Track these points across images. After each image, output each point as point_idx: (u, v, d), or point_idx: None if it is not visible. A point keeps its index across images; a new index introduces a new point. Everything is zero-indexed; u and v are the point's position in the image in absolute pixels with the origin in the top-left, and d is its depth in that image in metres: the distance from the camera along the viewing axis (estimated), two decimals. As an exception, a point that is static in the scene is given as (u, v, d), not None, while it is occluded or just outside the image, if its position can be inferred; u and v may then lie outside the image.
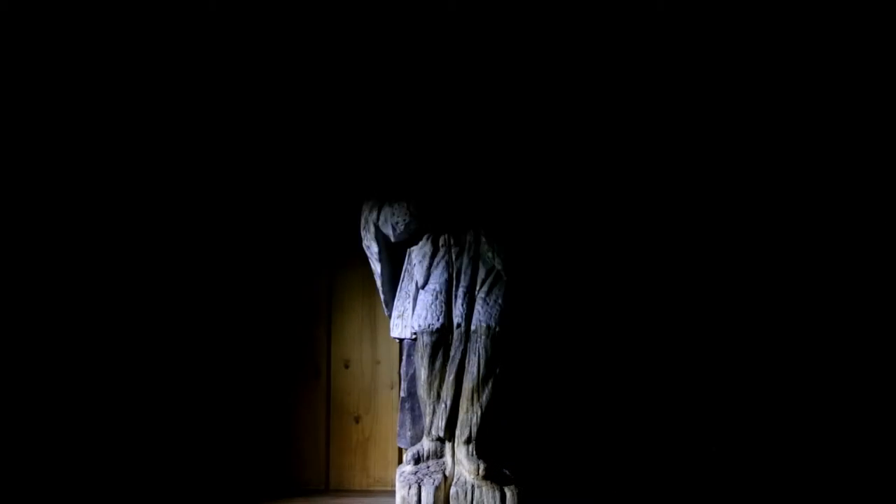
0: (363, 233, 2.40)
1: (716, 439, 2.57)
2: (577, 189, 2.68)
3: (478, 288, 2.27)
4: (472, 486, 2.14)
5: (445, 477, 2.17)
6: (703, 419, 2.59)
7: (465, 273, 2.28)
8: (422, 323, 2.26)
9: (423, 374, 2.24)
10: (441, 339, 2.24)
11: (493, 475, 2.16)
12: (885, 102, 2.63)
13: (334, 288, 2.65)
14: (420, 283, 2.32)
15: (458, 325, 2.24)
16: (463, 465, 2.16)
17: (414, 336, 2.29)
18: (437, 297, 2.27)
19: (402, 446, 2.32)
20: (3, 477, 2.40)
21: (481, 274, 2.28)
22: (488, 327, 2.23)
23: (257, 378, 2.61)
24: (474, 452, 2.18)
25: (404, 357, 2.34)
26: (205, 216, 2.65)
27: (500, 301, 2.27)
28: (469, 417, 2.19)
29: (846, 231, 2.63)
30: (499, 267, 2.29)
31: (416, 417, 2.30)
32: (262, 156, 2.69)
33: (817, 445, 2.55)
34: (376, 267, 2.39)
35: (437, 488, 2.14)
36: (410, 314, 2.32)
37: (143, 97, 2.63)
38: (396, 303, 2.36)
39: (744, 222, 2.66)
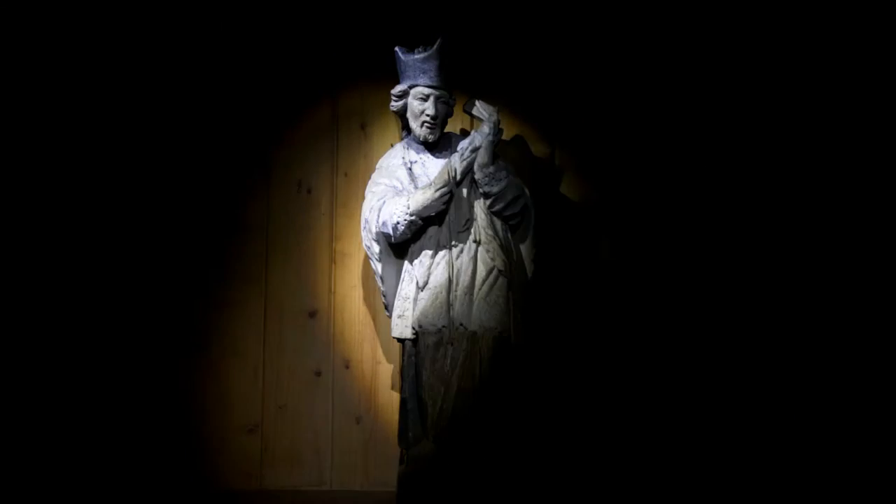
0: (364, 233, 2.40)
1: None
2: (579, 188, 2.69)
3: (478, 288, 2.28)
4: (474, 483, 2.14)
5: (447, 476, 2.17)
6: (705, 419, 2.60)
7: (465, 273, 2.28)
8: (423, 323, 2.26)
9: (424, 374, 2.24)
10: (442, 339, 2.25)
11: (495, 473, 2.17)
12: (884, 103, 2.64)
13: (335, 289, 2.65)
14: (420, 284, 2.32)
15: (459, 326, 2.24)
16: (464, 463, 2.16)
17: (415, 336, 2.29)
18: (437, 298, 2.27)
19: (403, 446, 2.32)
20: None
21: (481, 274, 2.29)
22: (489, 328, 2.24)
23: (257, 379, 2.62)
24: (476, 451, 2.18)
25: (405, 357, 2.35)
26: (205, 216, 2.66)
27: (500, 301, 2.27)
28: (470, 417, 2.19)
29: (844, 231, 2.64)
30: (499, 267, 2.29)
31: (417, 418, 2.30)
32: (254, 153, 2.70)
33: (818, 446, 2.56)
34: (377, 267, 2.39)
35: (438, 487, 2.15)
36: (411, 314, 2.32)
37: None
38: (397, 303, 2.36)
39: (744, 223, 2.67)
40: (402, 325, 2.33)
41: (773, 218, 2.65)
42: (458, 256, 2.30)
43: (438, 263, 2.31)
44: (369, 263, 2.43)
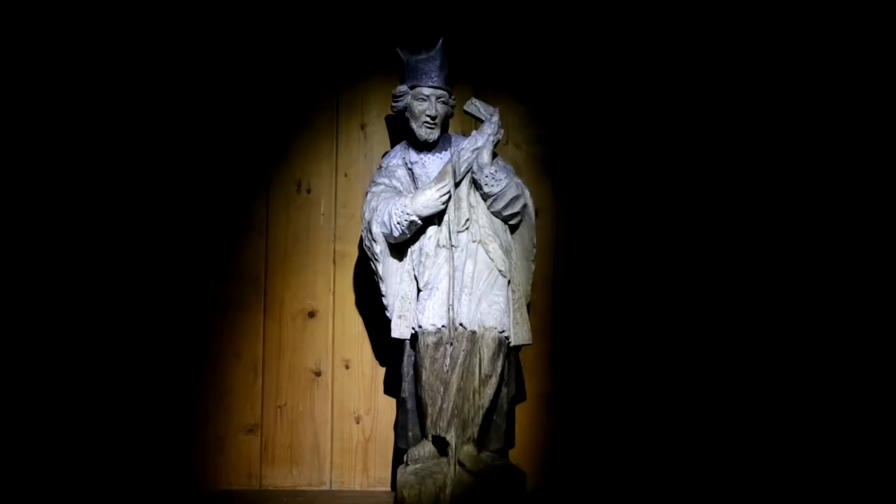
0: (364, 233, 2.40)
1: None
2: (579, 186, 2.70)
3: (478, 288, 2.27)
4: (473, 485, 2.14)
5: (446, 476, 2.17)
6: (704, 420, 2.60)
7: (464, 273, 2.28)
8: (423, 323, 2.26)
9: (423, 374, 2.24)
10: (442, 339, 2.25)
11: (494, 474, 2.16)
12: (885, 102, 2.64)
13: (335, 289, 2.65)
14: (420, 284, 2.32)
15: (459, 326, 2.24)
16: (464, 464, 2.16)
17: (414, 336, 2.29)
18: (437, 298, 2.27)
19: (403, 446, 2.32)
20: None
21: (481, 274, 2.28)
22: (488, 327, 2.24)
23: (257, 379, 2.62)
24: (475, 452, 2.18)
25: (405, 357, 2.35)
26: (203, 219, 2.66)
27: (500, 301, 2.27)
28: (470, 417, 2.19)
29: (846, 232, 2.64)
30: (499, 267, 2.29)
31: (417, 418, 2.30)
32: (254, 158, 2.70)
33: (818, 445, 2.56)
34: (377, 267, 2.39)
35: (437, 488, 2.15)
36: (411, 314, 2.32)
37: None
38: (396, 303, 2.36)
39: (749, 223, 2.67)
40: (401, 325, 2.34)
41: (779, 216, 2.66)
42: (457, 256, 2.30)
43: (438, 263, 2.31)
44: (369, 264, 2.43)
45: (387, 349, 2.57)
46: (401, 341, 2.35)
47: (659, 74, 2.70)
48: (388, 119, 2.67)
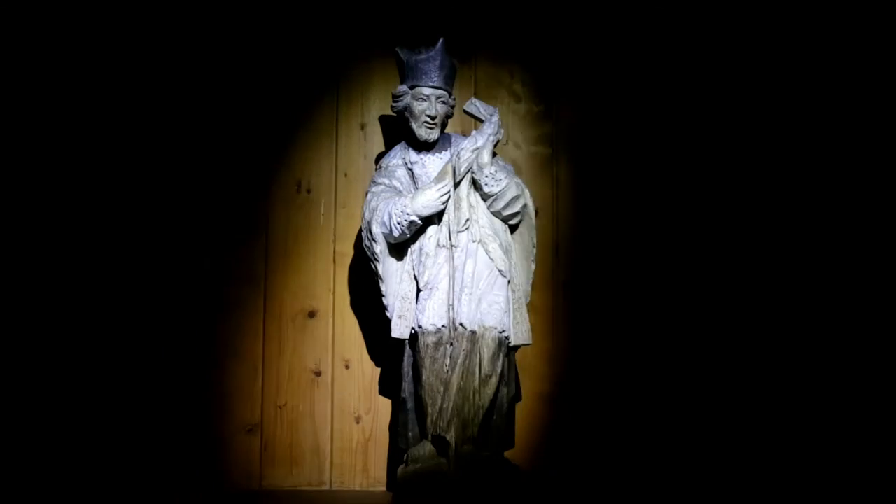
0: (363, 233, 2.40)
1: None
2: (578, 186, 2.70)
3: (478, 288, 2.27)
4: (473, 485, 2.14)
5: (446, 476, 2.17)
6: (704, 419, 2.60)
7: (465, 273, 2.28)
8: (423, 323, 2.26)
9: (423, 374, 2.24)
10: (442, 339, 2.25)
11: (493, 474, 2.17)
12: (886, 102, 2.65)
13: (335, 289, 2.65)
14: (420, 284, 2.33)
15: (459, 326, 2.25)
16: (464, 464, 2.16)
17: (414, 336, 2.29)
18: (437, 298, 2.27)
19: (402, 446, 2.32)
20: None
21: (481, 274, 2.29)
22: (488, 327, 2.24)
23: (257, 379, 2.62)
24: (475, 452, 2.18)
25: (405, 357, 2.35)
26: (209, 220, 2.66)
27: (500, 301, 2.28)
28: (470, 417, 2.19)
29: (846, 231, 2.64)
30: (499, 267, 2.29)
31: (417, 418, 2.30)
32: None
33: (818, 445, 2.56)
34: (377, 267, 2.39)
35: (437, 488, 2.15)
36: (411, 314, 2.32)
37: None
38: (396, 303, 2.36)
39: (746, 223, 2.67)
40: (401, 325, 2.33)
41: (780, 221, 2.66)
42: (457, 256, 2.30)
43: (438, 263, 2.31)
44: (368, 264, 2.43)
45: (387, 349, 2.57)
46: (401, 341, 2.35)
47: (659, 74, 2.70)
48: (382, 119, 2.68)
